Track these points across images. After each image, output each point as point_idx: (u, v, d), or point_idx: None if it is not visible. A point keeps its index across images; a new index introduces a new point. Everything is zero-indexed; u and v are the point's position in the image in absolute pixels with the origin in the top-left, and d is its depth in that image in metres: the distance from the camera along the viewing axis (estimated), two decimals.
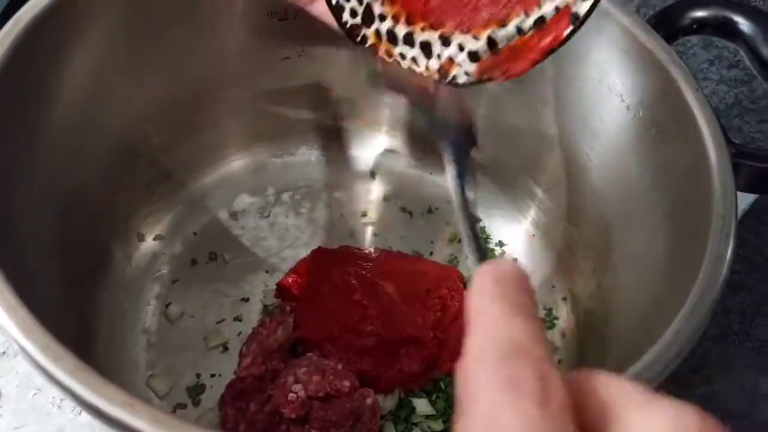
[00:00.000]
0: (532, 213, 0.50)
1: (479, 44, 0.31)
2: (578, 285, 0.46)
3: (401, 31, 0.32)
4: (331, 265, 0.45)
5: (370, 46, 0.32)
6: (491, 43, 0.31)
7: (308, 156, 0.55)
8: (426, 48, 0.32)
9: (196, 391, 0.43)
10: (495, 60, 0.31)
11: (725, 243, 0.29)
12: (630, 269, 0.39)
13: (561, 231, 0.48)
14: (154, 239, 0.49)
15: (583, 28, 0.29)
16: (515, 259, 0.50)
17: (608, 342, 0.39)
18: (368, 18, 0.32)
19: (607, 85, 0.40)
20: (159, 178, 0.48)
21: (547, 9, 0.30)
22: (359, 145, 0.55)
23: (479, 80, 0.32)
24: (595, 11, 0.39)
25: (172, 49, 0.42)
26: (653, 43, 0.37)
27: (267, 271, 0.49)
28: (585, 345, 0.44)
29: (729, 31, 0.40)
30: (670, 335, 0.26)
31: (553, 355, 0.19)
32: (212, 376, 0.44)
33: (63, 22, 0.35)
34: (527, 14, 0.30)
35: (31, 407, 0.42)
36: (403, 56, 0.32)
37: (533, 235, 0.51)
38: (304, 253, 0.48)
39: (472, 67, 0.31)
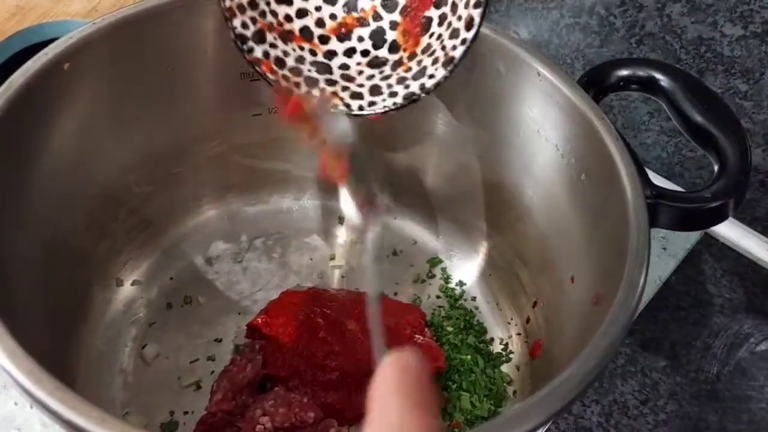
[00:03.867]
0: (487, 253, 0.54)
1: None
2: (531, 320, 0.50)
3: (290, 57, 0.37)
4: (299, 306, 0.48)
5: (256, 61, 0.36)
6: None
7: (280, 204, 0.59)
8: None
9: (170, 427, 0.45)
10: None
11: (638, 272, 0.32)
12: (569, 302, 0.42)
13: (513, 270, 0.51)
14: (132, 284, 0.52)
15: None
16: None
17: (555, 370, 0.42)
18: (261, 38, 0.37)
19: (544, 137, 0.44)
20: (138, 226, 0.52)
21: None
22: (327, 193, 0.59)
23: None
24: (531, 72, 0.45)
25: (151, 108, 0.46)
26: (580, 99, 0.41)
27: (239, 313, 0.52)
28: (537, 375, 0.47)
29: (651, 87, 0.45)
30: (585, 353, 0.29)
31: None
32: (185, 413, 0.46)
33: (51, 84, 0.39)
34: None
35: None
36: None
37: (490, 275, 0.54)
38: (275, 295, 0.51)
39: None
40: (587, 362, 0.29)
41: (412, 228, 0.58)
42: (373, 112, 0.38)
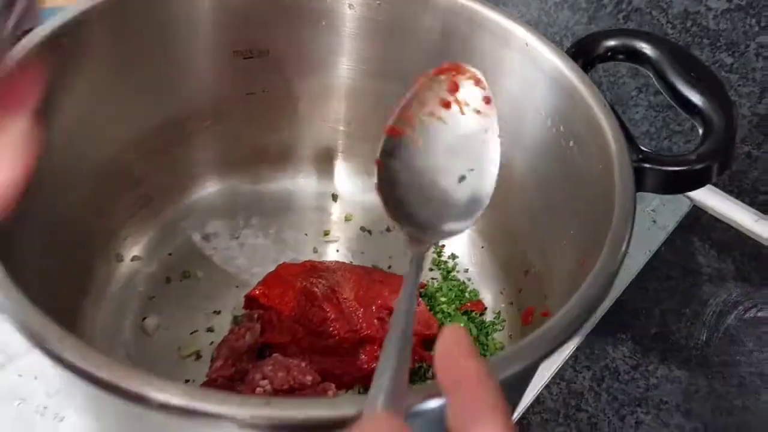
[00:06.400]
0: (479, 225, 0.55)
1: None
2: (522, 289, 0.51)
3: None
4: (295, 277, 0.49)
5: None
6: None
7: (276, 182, 0.60)
8: None
9: None
10: None
11: (624, 227, 0.33)
12: (559, 267, 0.43)
13: (505, 240, 0.52)
14: (132, 260, 0.52)
15: None
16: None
17: None
18: None
19: (533, 106, 0.45)
20: (137, 204, 0.53)
21: None
22: (322, 172, 0.60)
23: None
24: (519, 43, 0.45)
25: (150, 85, 0.47)
26: (567, 66, 0.42)
27: (237, 287, 0.53)
28: None
29: (637, 57, 0.46)
30: (572, 301, 0.30)
31: None
32: (186, 381, 0.47)
33: (49, 60, 0.40)
34: None
35: (16, 415, 0.45)
36: None
37: (482, 247, 0.55)
38: (272, 269, 0.52)
39: None
40: (573, 309, 0.30)
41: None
42: None
